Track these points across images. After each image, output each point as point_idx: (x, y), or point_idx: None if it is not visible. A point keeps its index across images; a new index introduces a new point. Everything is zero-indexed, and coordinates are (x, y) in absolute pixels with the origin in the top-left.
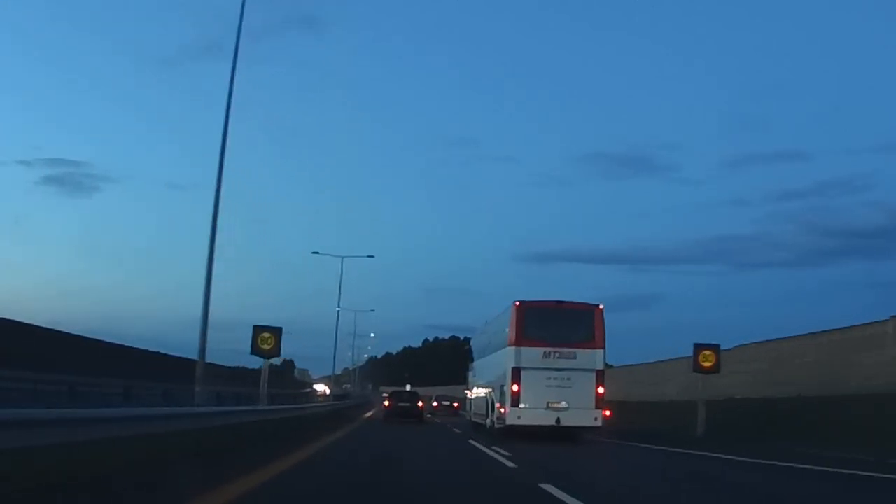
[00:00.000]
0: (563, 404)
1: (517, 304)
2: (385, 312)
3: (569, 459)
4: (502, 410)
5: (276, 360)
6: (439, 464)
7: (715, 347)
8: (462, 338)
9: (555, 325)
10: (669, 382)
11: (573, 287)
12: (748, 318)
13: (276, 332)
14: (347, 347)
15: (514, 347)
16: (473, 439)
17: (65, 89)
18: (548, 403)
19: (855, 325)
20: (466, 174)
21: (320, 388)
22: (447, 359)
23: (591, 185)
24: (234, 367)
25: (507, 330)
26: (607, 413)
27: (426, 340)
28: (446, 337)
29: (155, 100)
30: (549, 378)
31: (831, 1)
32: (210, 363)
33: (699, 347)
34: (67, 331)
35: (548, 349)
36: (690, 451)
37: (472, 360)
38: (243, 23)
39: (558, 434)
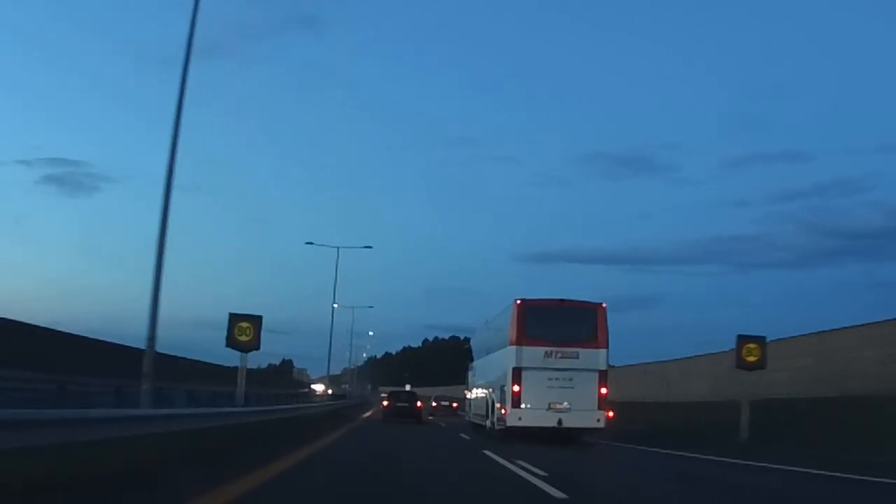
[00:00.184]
0: (565, 405)
1: (518, 302)
2: (385, 312)
3: (614, 477)
4: (503, 411)
5: (275, 360)
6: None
7: (760, 340)
8: (462, 338)
9: (557, 323)
10: (694, 381)
11: (573, 287)
12: (748, 318)
13: (255, 321)
14: (346, 347)
15: (514, 347)
16: (488, 449)
17: (65, 89)
18: (549, 404)
19: None
20: (466, 174)
21: (319, 387)
22: (447, 359)
23: (591, 185)
24: (233, 368)
25: (507, 329)
26: (610, 414)
27: (426, 340)
28: (446, 337)
29: (155, 100)
30: (551, 378)
31: (831, 1)
32: (184, 358)
33: (743, 340)
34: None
35: (549, 349)
36: (751, 462)
37: (471, 360)
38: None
39: (560, 436)
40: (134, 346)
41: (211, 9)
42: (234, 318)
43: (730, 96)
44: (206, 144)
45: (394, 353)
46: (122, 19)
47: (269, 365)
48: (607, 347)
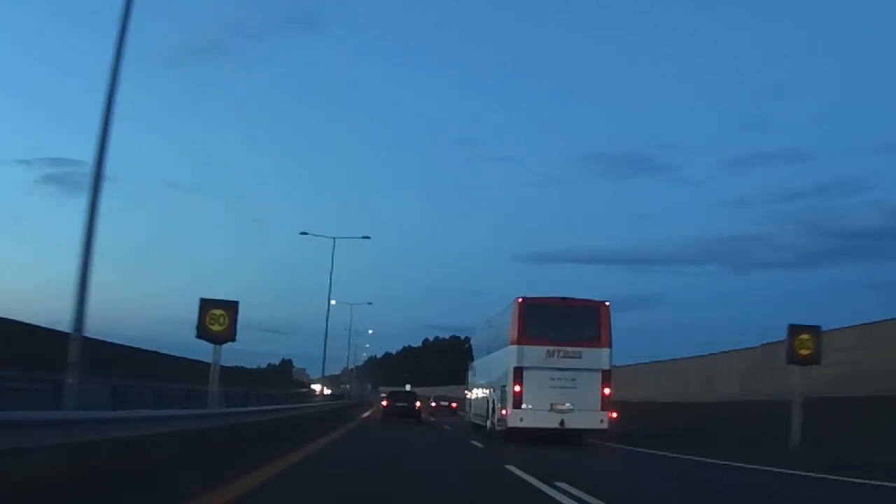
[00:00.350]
0: (568, 406)
1: (520, 300)
2: (385, 312)
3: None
4: (504, 412)
5: (275, 360)
6: None
7: (814, 330)
8: (463, 337)
9: (559, 322)
10: (718, 379)
11: (573, 287)
12: (748, 318)
13: (230, 308)
14: (345, 346)
15: (516, 346)
16: (511, 463)
17: (65, 89)
18: (551, 405)
19: None
20: (466, 174)
21: (318, 387)
22: (447, 359)
23: (591, 185)
24: (233, 367)
25: (509, 328)
26: (614, 415)
27: (426, 340)
28: (446, 337)
29: (154, 100)
30: (553, 378)
31: (831, 1)
32: (148, 350)
33: (795, 330)
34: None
35: (552, 348)
36: (824, 475)
37: (472, 360)
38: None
39: (562, 437)
40: (134, 346)
41: (211, 9)
42: (206, 305)
43: (730, 96)
44: (206, 144)
45: (394, 352)
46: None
47: (269, 365)
48: (611, 347)
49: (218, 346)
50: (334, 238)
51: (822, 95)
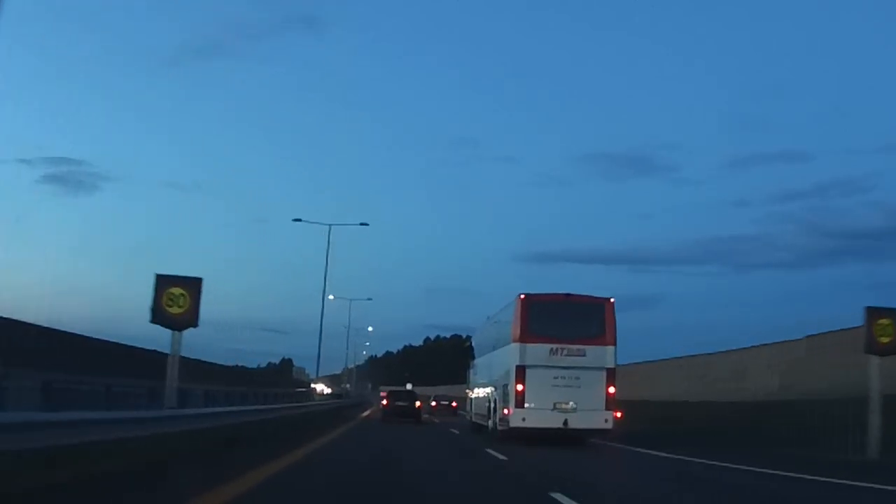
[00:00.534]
0: (572, 405)
1: (522, 297)
2: (385, 312)
3: None
4: (505, 411)
5: (275, 360)
6: None
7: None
8: (464, 336)
9: (562, 319)
10: (751, 376)
11: (573, 287)
12: (748, 318)
13: (192, 286)
14: (344, 345)
15: (518, 344)
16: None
17: (65, 89)
18: (555, 404)
19: None
20: (466, 174)
21: (318, 387)
22: (448, 358)
23: (591, 185)
24: (233, 367)
25: (511, 325)
26: (618, 415)
27: (427, 339)
28: (447, 336)
29: (154, 100)
30: (557, 377)
31: (831, 1)
32: (99, 338)
33: (875, 313)
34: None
35: (555, 345)
36: None
37: (473, 358)
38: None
39: (566, 437)
40: (134, 345)
41: (211, 9)
42: (163, 282)
43: (730, 96)
44: (206, 144)
45: (395, 352)
46: (122, 19)
47: (269, 364)
48: (615, 344)
49: (178, 333)
50: (329, 225)
51: (822, 95)
